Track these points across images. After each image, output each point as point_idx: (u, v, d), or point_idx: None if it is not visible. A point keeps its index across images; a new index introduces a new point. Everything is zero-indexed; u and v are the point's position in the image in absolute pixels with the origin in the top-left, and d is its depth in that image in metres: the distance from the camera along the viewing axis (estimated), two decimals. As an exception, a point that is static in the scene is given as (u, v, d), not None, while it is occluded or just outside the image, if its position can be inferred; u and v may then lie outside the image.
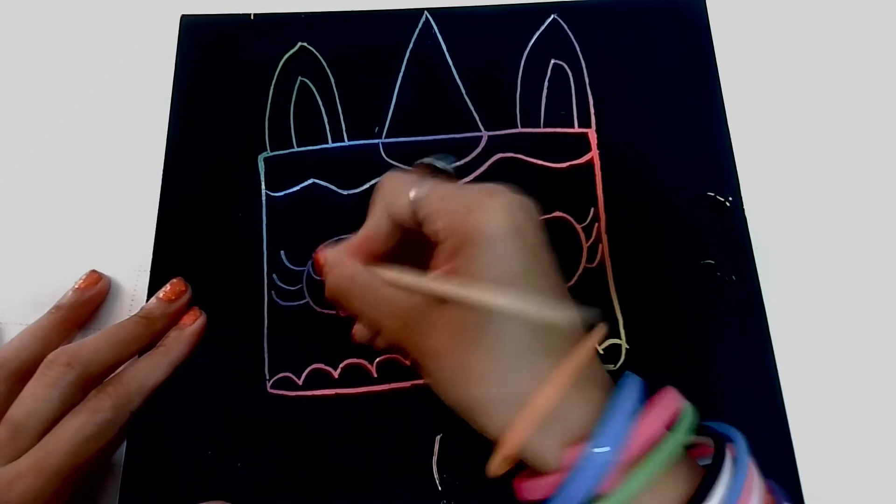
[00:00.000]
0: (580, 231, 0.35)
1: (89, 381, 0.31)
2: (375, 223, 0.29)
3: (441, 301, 0.26)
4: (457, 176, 0.36)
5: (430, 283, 0.26)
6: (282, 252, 0.35)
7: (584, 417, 0.24)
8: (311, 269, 0.35)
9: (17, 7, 0.42)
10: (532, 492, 0.25)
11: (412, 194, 0.28)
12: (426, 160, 0.31)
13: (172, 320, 0.33)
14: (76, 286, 0.34)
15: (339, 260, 0.30)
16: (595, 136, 0.37)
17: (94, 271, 0.35)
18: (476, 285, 0.25)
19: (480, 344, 0.24)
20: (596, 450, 0.23)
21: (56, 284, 0.34)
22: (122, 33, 0.41)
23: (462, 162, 0.36)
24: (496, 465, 0.25)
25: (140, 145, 0.38)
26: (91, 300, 0.34)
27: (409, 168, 0.31)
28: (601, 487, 0.23)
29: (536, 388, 0.24)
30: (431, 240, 0.27)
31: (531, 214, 0.27)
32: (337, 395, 0.33)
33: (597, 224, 0.35)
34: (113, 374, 0.32)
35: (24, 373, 0.31)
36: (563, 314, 0.23)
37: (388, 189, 0.29)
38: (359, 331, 0.32)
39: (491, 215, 0.25)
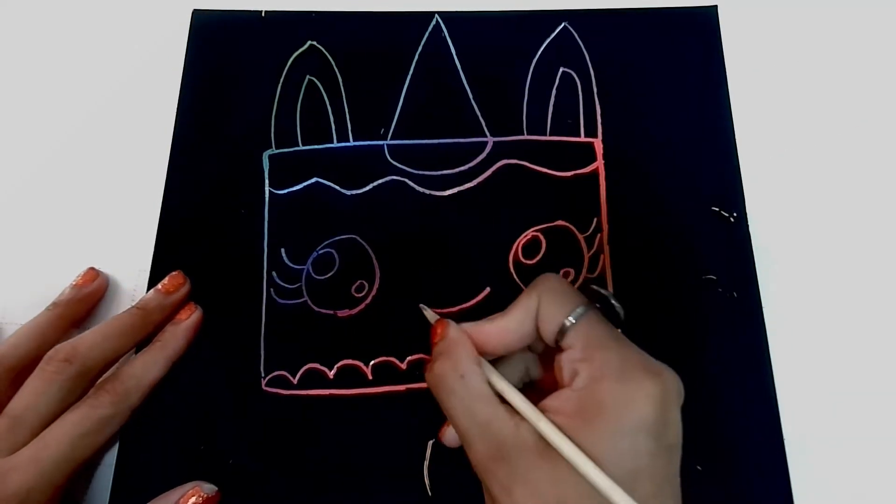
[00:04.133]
0: (582, 240, 0.35)
1: (88, 376, 0.31)
2: (518, 321, 0.27)
3: (547, 450, 0.23)
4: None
5: (551, 430, 0.24)
6: (282, 250, 0.35)
7: None
8: (310, 268, 0.35)
9: (26, 1, 0.42)
10: None
11: (569, 320, 0.25)
12: (602, 291, 0.27)
13: (170, 313, 0.33)
14: (73, 283, 0.34)
15: (456, 348, 0.27)
16: (601, 146, 0.37)
17: (91, 268, 0.35)
18: (602, 468, 0.22)
19: None
20: None
21: (56, 284, 0.34)
22: (134, 26, 0.41)
23: (466, 167, 0.36)
24: None
25: (145, 141, 0.38)
26: (88, 297, 0.34)
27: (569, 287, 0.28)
28: None
29: None
30: (562, 374, 0.25)
31: (679, 404, 0.24)
32: (331, 395, 0.33)
33: (599, 234, 0.35)
34: (111, 372, 0.32)
35: (20, 369, 0.31)
36: None
37: (546, 293, 0.27)
38: (449, 436, 0.30)
39: (642, 399, 0.23)
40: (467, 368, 0.26)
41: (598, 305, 0.27)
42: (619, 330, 0.27)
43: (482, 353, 0.28)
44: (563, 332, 0.25)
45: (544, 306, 0.26)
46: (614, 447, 0.23)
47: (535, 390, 0.29)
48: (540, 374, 0.30)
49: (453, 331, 0.28)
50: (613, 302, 0.27)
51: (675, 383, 0.24)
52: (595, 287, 0.28)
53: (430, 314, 0.32)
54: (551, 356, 0.27)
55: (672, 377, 0.24)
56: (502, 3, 0.40)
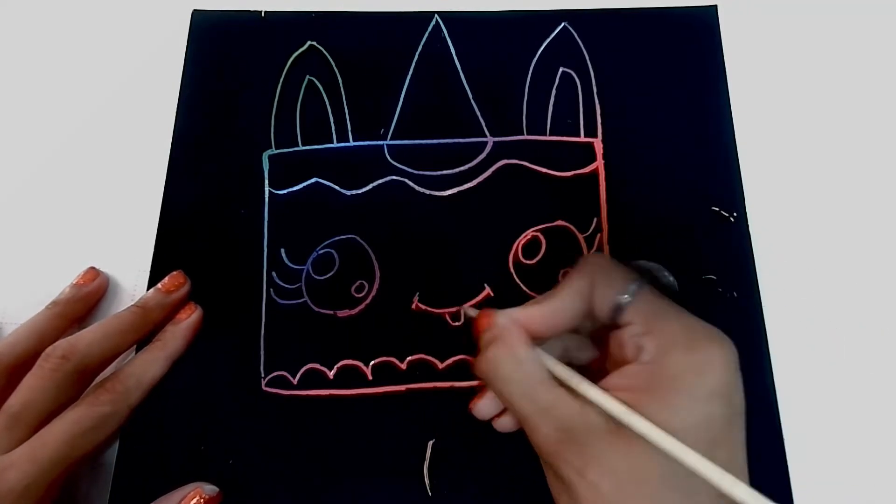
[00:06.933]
0: (582, 240, 0.35)
1: (86, 373, 0.31)
2: (568, 302, 0.26)
3: (619, 429, 0.23)
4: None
5: (623, 410, 0.23)
6: (282, 250, 0.35)
7: None
8: (310, 269, 0.35)
9: (26, 0, 0.42)
10: None
11: (625, 297, 0.25)
12: (651, 265, 0.27)
13: (169, 312, 0.33)
14: (73, 282, 0.34)
15: (508, 334, 0.26)
16: (601, 146, 0.37)
17: (92, 268, 0.35)
18: (681, 439, 0.22)
19: (658, 500, 0.22)
20: None
21: (56, 284, 0.34)
22: (134, 26, 0.41)
23: (466, 167, 0.36)
24: None
25: (145, 141, 0.38)
26: (88, 296, 0.34)
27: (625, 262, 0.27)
28: None
29: None
30: (624, 351, 0.25)
31: (739, 368, 0.24)
32: (331, 395, 0.33)
33: (599, 234, 0.35)
34: (111, 370, 0.32)
35: (19, 367, 0.31)
36: None
37: (598, 272, 0.26)
38: (504, 423, 0.29)
39: (710, 365, 0.23)
40: (524, 354, 0.26)
41: (648, 279, 0.27)
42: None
43: (531, 337, 0.27)
44: (618, 309, 0.25)
45: (599, 286, 0.26)
46: (691, 417, 0.23)
47: (581, 370, 0.29)
48: (591, 355, 0.29)
49: (502, 318, 0.27)
50: (665, 274, 0.27)
51: (735, 350, 0.24)
52: (642, 262, 0.28)
53: (472, 311, 0.30)
54: (599, 335, 0.27)
55: (732, 343, 0.24)
56: (502, 3, 0.40)
